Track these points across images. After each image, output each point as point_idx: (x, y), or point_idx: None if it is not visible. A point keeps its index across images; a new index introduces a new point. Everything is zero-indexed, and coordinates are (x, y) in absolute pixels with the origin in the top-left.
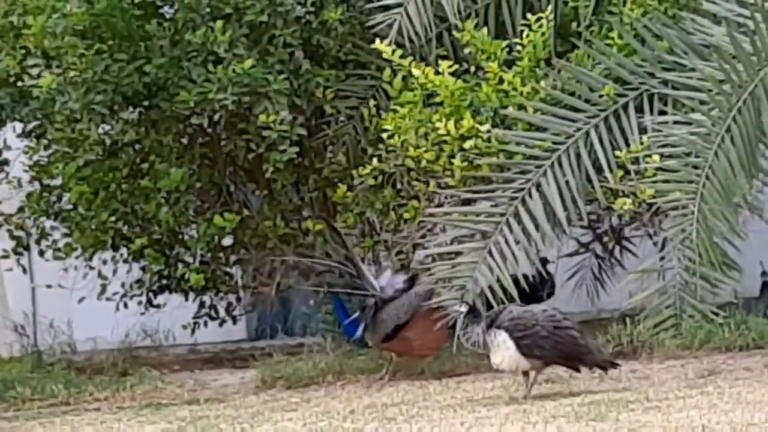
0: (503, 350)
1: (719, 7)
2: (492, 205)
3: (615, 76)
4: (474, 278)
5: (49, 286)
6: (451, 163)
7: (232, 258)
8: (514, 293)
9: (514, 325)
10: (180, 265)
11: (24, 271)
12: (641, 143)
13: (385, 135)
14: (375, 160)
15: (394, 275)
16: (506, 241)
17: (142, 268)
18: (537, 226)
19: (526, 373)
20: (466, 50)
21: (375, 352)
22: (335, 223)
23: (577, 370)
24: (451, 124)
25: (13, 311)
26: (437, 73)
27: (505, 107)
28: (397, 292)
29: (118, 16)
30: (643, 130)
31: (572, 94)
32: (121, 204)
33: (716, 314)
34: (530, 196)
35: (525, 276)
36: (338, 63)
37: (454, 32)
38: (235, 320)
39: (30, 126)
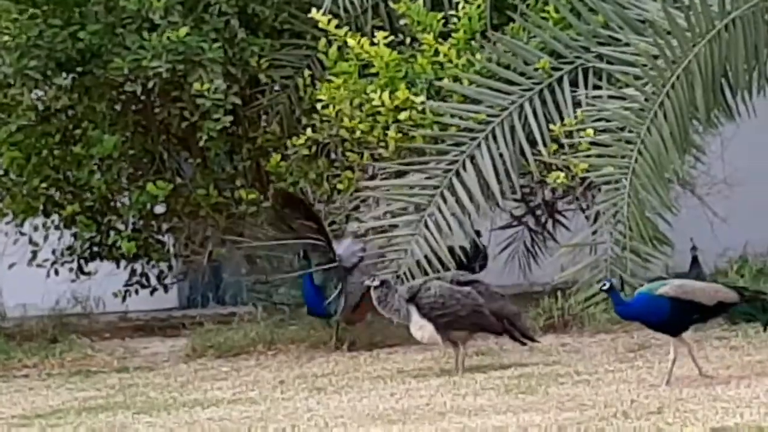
0: (424, 329)
1: None
2: (426, 177)
3: (550, 49)
4: (409, 250)
5: None
6: (386, 135)
7: (165, 226)
8: (451, 265)
9: (432, 304)
10: (112, 233)
11: None
12: (575, 117)
13: (319, 105)
14: (309, 130)
15: (353, 242)
16: (441, 213)
17: (74, 235)
18: (471, 199)
19: (455, 344)
20: (402, 21)
21: (306, 322)
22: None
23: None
24: (385, 96)
25: None
26: (373, 44)
27: (440, 79)
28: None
29: None
30: (577, 104)
31: (507, 67)
32: (53, 170)
33: None
34: (464, 168)
35: (459, 248)
36: (273, 32)
37: (390, 3)
38: (166, 288)
39: None
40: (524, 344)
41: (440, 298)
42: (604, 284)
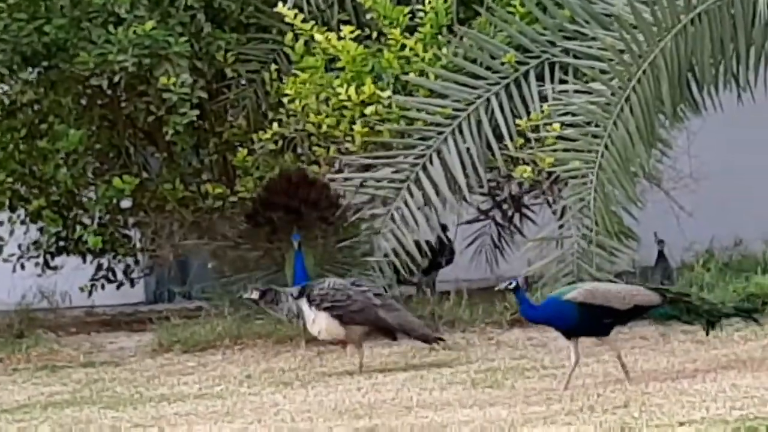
0: (319, 321)
1: None
2: (393, 172)
3: (516, 43)
4: (375, 244)
5: None
6: (352, 129)
7: (131, 220)
8: (418, 259)
9: (323, 296)
10: (78, 227)
11: None
12: (542, 111)
13: (286, 99)
14: (275, 125)
15: None
16: (407, 208)
17: (40, 230)
18: (438, 193)
19: (356, 343)
20: (369, 16)
21: (273, 317)
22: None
23: (394, 339)
24: (352, 90)
25: None
26: (339, 38)
27: (407, 73)
28: None
29: None
30: (543, 99)
31: (474, 61)
32: (18, 164)
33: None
34: (431, 162)
35: (426, 242)
36: (240, 26)
37: None
38: (132, 283)
39: None
40: (430, 343)
41: (331, 291)
42: (510, 283)
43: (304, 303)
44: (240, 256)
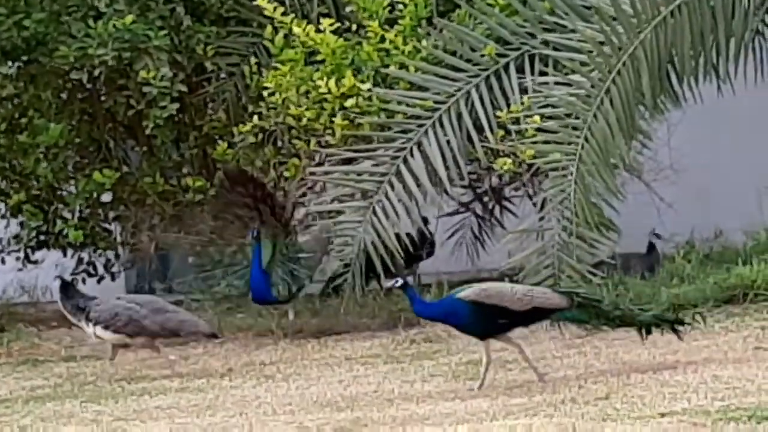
0: (98, 334)
1: None
2: (373, 164)
3: (496, 36)
4: (356, 238)
5: None
6: (332, 122)
7: (111, 214)
8: (399, 252)
9: (96, 316)
10: (58, 221)
11: None
12: (522, 104)
13: (266, 92)
14: (256, 118)
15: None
16: (388, 200)
17: (20, 224)
18: (419, 186)
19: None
20: (348, 8)
21: (254, 310)
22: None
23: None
24: (332, 83)
25: None
26: (319, 31)
27: (387, 66)
28: None
29: None
30: (523, 91)
31: (453, 53)
32: None
33: (594, 275)
34: (412, 155)
35: (407, 235)
36: (219, 19)
37: None
38: (113, 277)
39: None
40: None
41: (102, 309)
42: (396, 282)
43: (82, 320)
44: (217, 250)
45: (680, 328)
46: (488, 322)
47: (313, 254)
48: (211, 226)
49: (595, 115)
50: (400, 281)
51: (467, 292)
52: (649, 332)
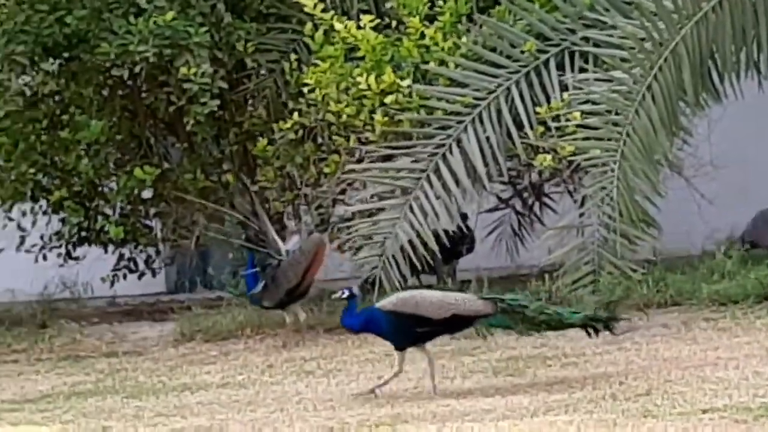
0: None
1: None
2: (412, 161)
3: (536, 32)
4: (394, 234)
5: None
6: (372, 118)
7: (152, 211)
8: (435, 249)
9: None
10: (99, 218)
11: None
12: (562, 100)
13: (306, 89)
14: (296, 114)
15: (297, 243)
16: (427, 197)
17: (62, 220)
18: (457, 182)
19: None
20: (388, 5)
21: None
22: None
23: None
24: (372, 79)
25: None
26: (359, 27)
27: (427, 62)
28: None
29: None
30: (564, 87)
31: (493, 50)
32: (40, 155)
33: (634, 271)
34: (451, 152)
35: (445, 231)
36: (260, 16)
37: None
38: (154, 273)
39: None
40: None
41: None
42: (344, 292)
43: None
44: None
45: (615, 324)
46: (407, 331)
47: (296, 264)
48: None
49: (636, 112)
50: (347, 292)
51: (385, 302)
52: (597, 331)
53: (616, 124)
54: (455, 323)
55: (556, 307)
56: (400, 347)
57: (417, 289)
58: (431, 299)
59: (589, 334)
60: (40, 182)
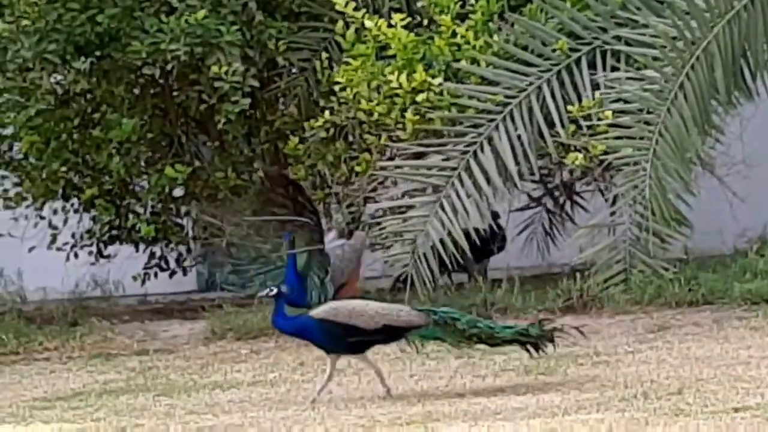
0: None
1: None
2: (443, 159)
3: (568, 30)
4: (425, 232)
5: None
6: (403, 117)
7: (183, 209)
8: (465, 247)
9: None
10: (131, 216)
11: None
12: (593, 99)
13: (337, 87)
14: (327, 113)
15: (336, 238)
16: (458, 195)
17: (93, 219)
18: (488, 180)
19: None
20: (420, 3)
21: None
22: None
23: None
24: (403, 77)
25: None
26: (390, 25)
27: (458, 61)
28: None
29: None
30: (595, 86)
31: (525, 48)
32: (72, 154)
33: (666, 269)
34: (482, 150)
35: (476, 230)
36: (291, 14)
37: None
38: (185, 271)
39: None
40: None
41: None
42: (271, 290)
43: None
44: (254, 247)
45: (546, 343)
46: (338, 339)
47: (342, 265)
48: (248, 221)
49: (668, 110)
50: (275, 290)
51: (318, 310)
52: (537, 348)
53: (648, 123)
54: (387, 334)
55: (489, 321)
56: (333, 353)
57: (447, 286)
58: (364, 309)
59: (528, 351)
60: (71, 180)
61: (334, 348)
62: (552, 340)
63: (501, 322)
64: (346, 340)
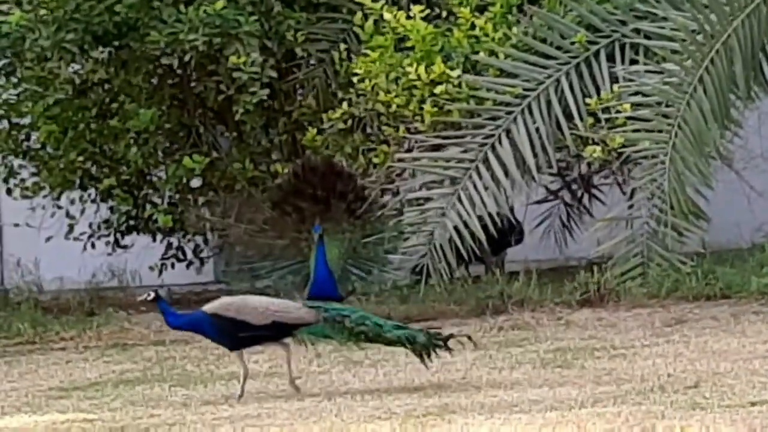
0: None
1: None
2: (461, 151)
3: (587, 23)
4: (442, 224)
5: (16, 225)
6: (422, 108)
7: (201, 200)
8: (483, 239)
9: None
10: (148, 206)
11: None
12: (612, 92)
13: (355, 79)
14: (345, 104)
15: None
16: (475, 188)
17: (110, 209)
18: (506, 173)
19: None
20: None
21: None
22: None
23: None
24: (421, 69)
25: None
26: (409, 17)
27: (477, 53)
28: None
29: None
30: (614, 79)
31: (544, 40)
32: (89, 144)
33: (683, 263)
34: (500, 142)
35: (493, 222)
36: (310, 5)
37: None
38: (202, 262)
39: None
40: None
41: None
42: (149, 294)
43: None
44: (267, 243)
45: (430, 353)
46: (231, 335)
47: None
48: (265, 216)
49: (687, 104)
50: (152, 294)
51: (211, 305)
52: (428, 354)
53: (666, 116)
54: (277, 330)
55: (379, 320)
56: (230, 349)
57: (464, 278)
58: (254, 305)
59: (421, 358)
60: (89, 170)
61: (227, 343)
62: (447, 348)
63: (391, 322)
64: (236, 334)
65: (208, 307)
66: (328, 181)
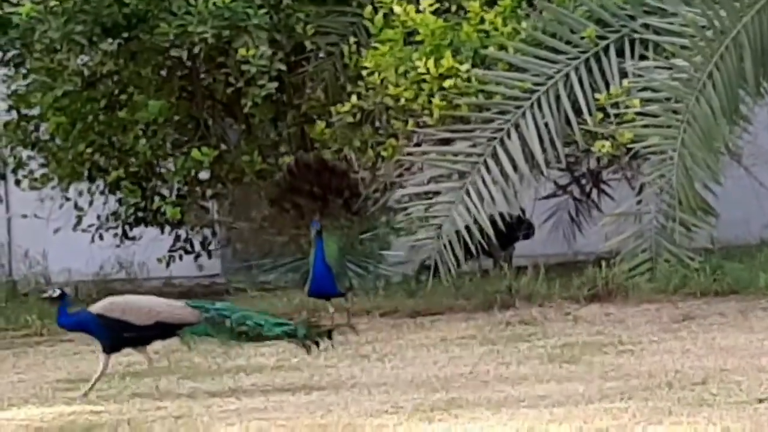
0: None
1: None
2: (470, 145)
3: (596, 18)
4: (450, 218)
5: (24, 216)
6: (430, 102)
7: (209, 192)
8: (491, 233)
9: None
10: (156, 198)
11: (0, 200)
12: (621, 87)
13: (364, 72)
14: (354, 98)
15: None
16: (484, 182)
17: (119, 200)
18: (515, 168)
19: None
20: None
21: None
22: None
23: None
24: (431, 63)
25: None
26: (418, 11)
27: (486, 47)
28: None
29: None
30: (623, 74)
31: (553, 35)
32: (98, 135)
33: (692, 259)
34: (509, 136)
35: (502, 217)
36: None
37: None
38: (210, 254)
39: (9, 55)
40: None
41: None
42: (54, 292)
43: None
44: (267, 240)
45: (310, 345)
46: (115, 334)
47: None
48: (264, 213)
49: (697, 99)
50: (58, 291)
51: (96, 305)
52: (317, 344)
53: (676, 112)
54: (161, 330)
55: (259, 318)
56: (108, 350)
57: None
58: (138, 305)
59: (307, 349)
60: (97, 162)
61: (111, 342)
62: (330, 337)
63: (272, 318)
64: (122, 334)
65: (94, 308)
66: (322, 178)
